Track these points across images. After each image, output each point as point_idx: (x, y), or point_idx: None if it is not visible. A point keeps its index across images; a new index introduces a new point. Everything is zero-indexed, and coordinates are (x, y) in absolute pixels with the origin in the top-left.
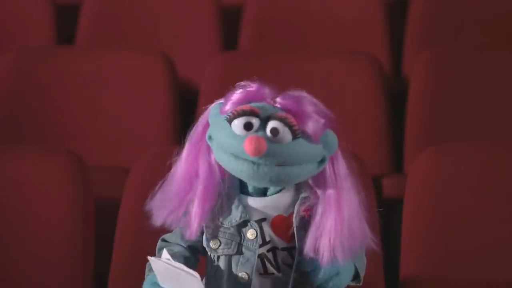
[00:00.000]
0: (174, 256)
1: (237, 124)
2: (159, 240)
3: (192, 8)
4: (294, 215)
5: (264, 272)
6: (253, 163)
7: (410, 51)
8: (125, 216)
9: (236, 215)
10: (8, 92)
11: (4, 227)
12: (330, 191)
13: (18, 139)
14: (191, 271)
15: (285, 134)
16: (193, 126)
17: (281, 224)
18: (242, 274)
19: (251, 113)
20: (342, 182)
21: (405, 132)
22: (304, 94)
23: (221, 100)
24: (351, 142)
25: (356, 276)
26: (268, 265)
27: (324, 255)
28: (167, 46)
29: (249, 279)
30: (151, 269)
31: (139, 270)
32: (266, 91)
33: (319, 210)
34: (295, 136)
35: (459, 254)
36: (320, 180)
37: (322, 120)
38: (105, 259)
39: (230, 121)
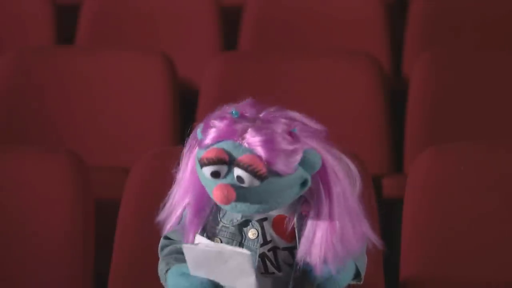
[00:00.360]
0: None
1: (206, 171)
2: (162, 238)
3: (192, 8)
4: (295, 215)
5: (264, 272)
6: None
7: (410, 51)
8: (125, 216)
9: (237, 214)
10: (8, 92)
11: (4, 227)
12: (322, 202)
13: (18, 139)
14: (237, 248)
15: (252, 179)
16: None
17: (282, 223)
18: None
19: (217, 161)
20: (334, 190)
21: (405, 132)
22: (281, 120)
23: (201, 126)
24: (351, 142)
25: (357, 275)
26: (269, 264)
27: (317, 264)
28: (167, 46)
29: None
30: (169, 263)
31: (139, 270)
32: (236, 127)
33: (311, 219)
34: (262, 179)
35: (459, 254)
36: (312, 191)
37: (297, 150)
38: (105, 259)
39: (200, 167)
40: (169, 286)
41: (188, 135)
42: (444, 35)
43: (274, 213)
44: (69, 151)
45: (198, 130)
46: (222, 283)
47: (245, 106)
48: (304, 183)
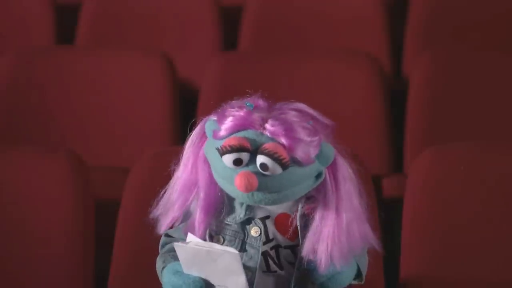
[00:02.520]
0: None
1: (228, 159)
2: (163, 236)
3: (192, 8)
4: (298, 214)
5: (267, 270)
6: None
7: (410, 51)
8: (125, 216)
9: (240, 212)
10: (9, 92)
11: (4, 227)
12: (330, 197)
13: (18, 139)
14: (227, 248)
15: (275, 167)
16: (190, 134)
17: (285, 222)
18: (245, 272)
19: (240, 148)
20: (342, 187)
21: (405, 132)
22: (294, 113)
23: (213, 118)
24: (351, 142)
25: (358, 275)
26: (271, 262)
27: (322, 261)
28: (167, 46)
29: (252, 276)
30: (165, 260)
31: (139, 270)
32: (255, 117)
33: (318, 215)
34: (285, 167)
35: (459, 254)
36: (320, 187)
37: (314, 141)
38: (105, 259)
39: (221, 155)
40: (164, 283)
41: (189, 135)
42: (444, 35)
43: (277, 211)
44: (69, 151)
45: (208, 123)
46: (213, 281)
47: (257, 99)
48: (318, 176)
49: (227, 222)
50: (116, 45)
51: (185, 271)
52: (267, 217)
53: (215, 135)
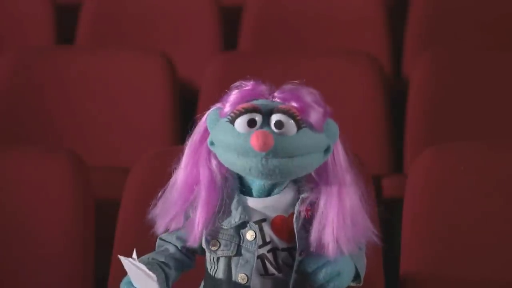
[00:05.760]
0: (167, 257)
1: (241, 122)
2: (157, 239)
3: (192, 8)
4: (294, 215)
5: (264, 273)
6: (262, 158)
7: (410, 51)
8: (125, 216)
9: (235, 216)
10: (8, 92)
11: (4, 227)
12: (332, 182)
13: (18, 139)
14: (150, 273)
15: (290, 126)
16: (191, 133)
17: (281, 224)
18: (241, 276)
19: (253, 109)
20: (344, 174)
21: (405, 132)
22: (300, 86)
23: (218, 105)
24: (351, 142)
25: (356, 277)
26: (268, 265)
27: (329, 246)
28: (167, 46)
29: (248, 280)
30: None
31: None
32: (263, 87)
33: (322, 202)
34: (299, 127)
35: (459, 254)
36: (322, 172)
37: (322, 110)
38: (105, 259)
39: (232, 121)
40: None
41: (189, 134)
42: (444, 35)
43: (273, 214)
44: (69, 151)
45: (209, 115)
46: None
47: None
48: (327, 150)
49: (222, 226)
50: (116, 45)
51: (134, 283)
52: (263, 220)
53: (222, 114)
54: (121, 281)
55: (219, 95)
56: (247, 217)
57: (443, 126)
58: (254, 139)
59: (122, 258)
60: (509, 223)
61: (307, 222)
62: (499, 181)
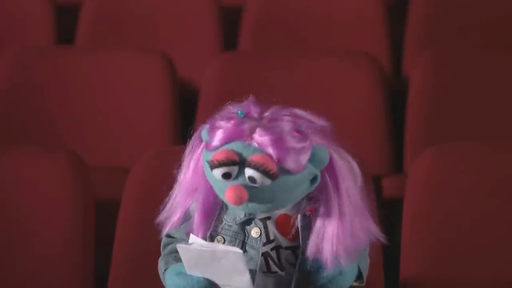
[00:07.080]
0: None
1: (217, 173)
2: (164, 237)
3: (192, 8)
4: (299, 215)
5: (267, 271)
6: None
7: (410, 51)
8: (125, 216)
9: (240, 212)
10: (8, 92)
11: (4, 227)
12: (331, 196)
13: (18, 139)
14: (230, 247)
15: (263, 179)
16: (190, 141)
17: (285, 222)
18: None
19: (228, 162)
20: (342, 185)
21: (405, 132)
22: (287, 117)
23: (207, 126)
24: (351, 142)
25: (359, 276)
26: (271, 263)
27: (328, 260)
28: (167, 46)
29: (253, 277)
30: (167, 262)
31: (139, 270)
32: (244, 127)
33: (320, 214)
34: (273, 178)
35: (459, 254)
36: (321, 186)
37: (305, 148)
38: (105, 259)
39: (211, 169)
40: (167, 285)
41: (190, 136)
42: (444, 35)
43: (278, 212)
44: (69, 151)
45: (203, 131)
46: (217, 281)
47: (249, 105)
48: (314, 179)
49: (227, 223)
50: (116, 45)
51: (188, 272)
52: (268, 217)
53: (207, 147)
54: (121, 281)
55: (219, 95)
56: (252, 214)
57: (443, 126)
58: (228, 194)
59: (183, 246)
60: (509, 223)
61: (311, 222)
62: (499, 181)
